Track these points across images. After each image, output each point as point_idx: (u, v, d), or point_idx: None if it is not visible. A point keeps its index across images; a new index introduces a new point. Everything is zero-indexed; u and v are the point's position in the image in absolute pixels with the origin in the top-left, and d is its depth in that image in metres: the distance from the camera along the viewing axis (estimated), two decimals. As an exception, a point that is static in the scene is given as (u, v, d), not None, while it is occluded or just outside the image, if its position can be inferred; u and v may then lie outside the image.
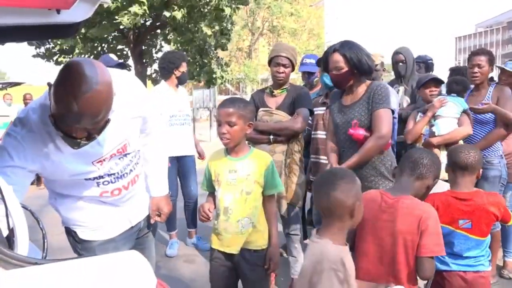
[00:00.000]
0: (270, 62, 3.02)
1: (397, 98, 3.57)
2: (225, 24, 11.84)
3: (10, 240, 0.87)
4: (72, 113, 1.16)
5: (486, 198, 1.99)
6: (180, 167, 3.90)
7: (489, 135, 3.06)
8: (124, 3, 9.61)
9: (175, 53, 4.09)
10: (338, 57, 2.43)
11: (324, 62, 2.55)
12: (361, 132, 2.39)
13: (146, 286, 0.90)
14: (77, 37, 11.42)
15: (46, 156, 1.42)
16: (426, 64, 4.40)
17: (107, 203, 1.69)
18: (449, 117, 3.02)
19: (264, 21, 29.77)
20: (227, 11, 11.11)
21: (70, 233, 1.69)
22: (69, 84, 1.15)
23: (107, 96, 1.23)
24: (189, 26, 11.31)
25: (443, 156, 3.02)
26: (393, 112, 2.51)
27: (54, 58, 12.80)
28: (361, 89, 2.51)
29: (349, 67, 2.42)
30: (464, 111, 3.04)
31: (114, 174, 1.61)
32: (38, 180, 7.73)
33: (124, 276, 0.88)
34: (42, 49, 12.94)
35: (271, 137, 2.88)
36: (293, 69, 3.03)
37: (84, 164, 1.51)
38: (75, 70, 1.18)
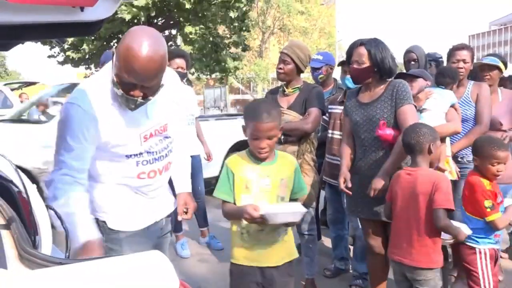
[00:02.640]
0: None
1: None
2: (236, 14, 11.76)
3: (34, 239, 0.87)
4: (136, 71, 1.36)
5: None
6: None
7: (470, 133, 2.97)
8: None
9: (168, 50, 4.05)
10: (362, 51, 2.42)
11: (348, 54, 2.53)
12: (389, 132, 2.35)
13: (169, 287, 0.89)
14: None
15: (101, 124, 1.53)
16: (436, 61, 4.32)
17: (139, 191, 1.73)
18: (436, 111, 2.88)
19: (274, 20, 29.71)
20: None
21: (96, 224, 1.69)
22: (136, 45, 1.35)
23: (162, 60, 1.42)
24: (199, 15, 11.27)
25: None
26: None
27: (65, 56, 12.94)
28: (380, 87, 2.49)
29: (370, 63, 2.41)
30: (453, 106, 2.91)
31: (152, 153, 1.69)
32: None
33: (148, 277, 0.88)
34: (60, 57, 13.10)
35: (282, 137, 2.85)
36: (297, 67, 2.94)
37: (133, 134, 1.61)
38: (140, 34, 1.38)
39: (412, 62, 3.74)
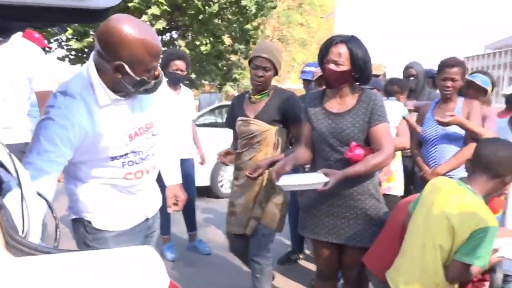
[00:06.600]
0: (250, 62, 2.58)
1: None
2: (253, 25, 11.84)
3: (23, 228, 0.84)
4: (155, 46, 1.43)
5: None
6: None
7: (460, 154, 2.76)
8: (143, 4, 9.72)
9: (165, 52, 3.80)
10: (343, 50, 2.03)
11: (322, 53, 2.13)
12: (358, 152, 2.06)
13: (159, 285, 0.86)
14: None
15: (88, 126, 1.46)
16: (433, 77, 4.35)
17: (126, 191, 1.68)
18: None
19: (274, 30, 29.87)
20: (252, 8, 11.14)
21: (82, 223, 1.65)
22: (144, 31, 1.41)
23: None
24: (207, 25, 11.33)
25: None
26: None
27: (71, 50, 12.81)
28: (353, 95, 2.15)
29: (351, 66, 2.04)
30: (403, 118, 2.75)
31: (138, 153, 1.63)
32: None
33: (137, 273, 0.86)
34: (58, 52, 13.02)
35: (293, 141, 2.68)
36: (276, 74, 2.54)
37: (119, 133, 1.55)
38: (126, 19, 1.41)
39: (411, 78, 3.78)
